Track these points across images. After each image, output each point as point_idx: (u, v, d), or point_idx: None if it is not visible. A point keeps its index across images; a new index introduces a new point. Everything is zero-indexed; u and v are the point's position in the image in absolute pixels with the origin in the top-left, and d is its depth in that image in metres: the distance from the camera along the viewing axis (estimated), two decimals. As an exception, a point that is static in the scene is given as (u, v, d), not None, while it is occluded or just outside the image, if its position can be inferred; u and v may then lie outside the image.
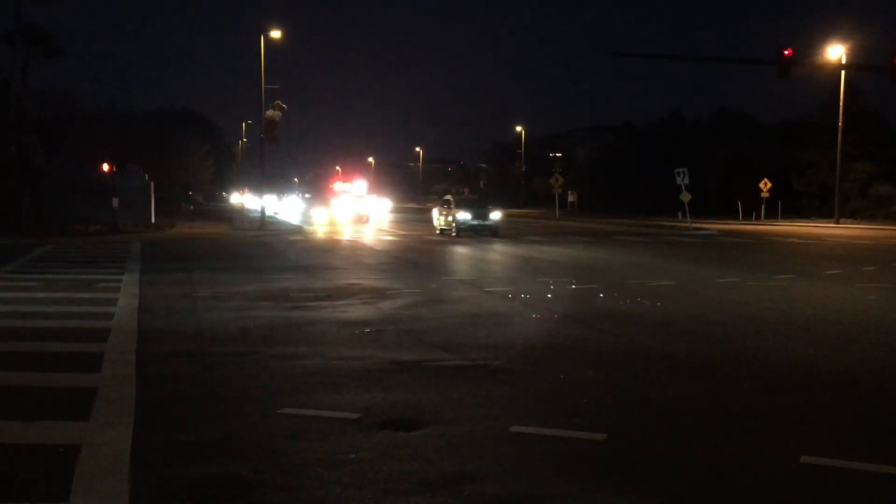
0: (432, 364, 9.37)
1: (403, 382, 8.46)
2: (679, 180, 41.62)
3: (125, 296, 14.92)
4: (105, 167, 38.92)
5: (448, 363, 9.42)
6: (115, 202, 37.68)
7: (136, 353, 9.68)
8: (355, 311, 13.59)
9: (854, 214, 57.56)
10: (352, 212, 48.53)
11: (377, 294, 15.61)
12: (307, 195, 71.37)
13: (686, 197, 42.02)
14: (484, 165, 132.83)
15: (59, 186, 40.23)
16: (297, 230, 42.67)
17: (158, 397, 7.68)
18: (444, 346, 10.42)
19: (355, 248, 29.42)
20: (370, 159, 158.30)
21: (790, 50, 31.53)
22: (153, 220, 42.95)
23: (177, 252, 26.62)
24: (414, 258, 24.76)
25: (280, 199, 66.19)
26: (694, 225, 43.67)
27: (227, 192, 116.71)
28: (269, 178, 62.28)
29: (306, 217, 55.15)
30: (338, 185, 51.99)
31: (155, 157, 48.03)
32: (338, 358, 9.65)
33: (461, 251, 27.92)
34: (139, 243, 29.61)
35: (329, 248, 29.64)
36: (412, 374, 8.87)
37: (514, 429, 6.68)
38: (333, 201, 50.11)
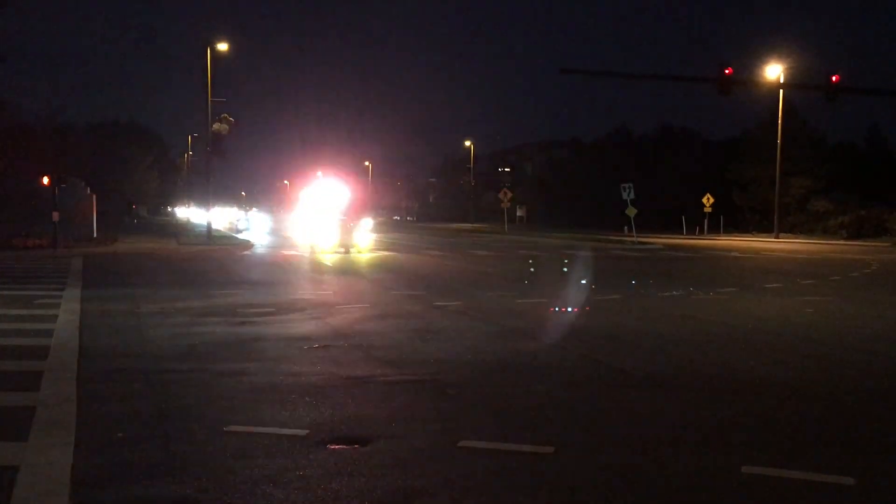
0: (382, 379, 9.34)
1: (353, 398, 8.41)
2: (625, 195, 42.33)
3: (66, 312, 14.55)
4: (45, 180, 37.95)
5: (397, 378, 9.41)
6: (56, 216, 36.69)
7: (77, 372, 9.44)
8: (303, 326, 13.48)
9: (793, 229, 59.24)
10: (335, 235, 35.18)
11: (325, 308, 15.51)
12: (254, 209, 68.72)
13: (632, 211, 42.74)
14: (433, 180, 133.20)
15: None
16: (245, 244, 42.13)
17: (101, 416, 7.51)
18: (393, 361, 10.40)
19: (301, 263, 29.18)
20: (319, 173, 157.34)
21: (730, 69, 32.39)
22: (95, 235, 41.99)
23: (120, 267, 26.06)
24: (376, 273, 24.63)
25: (246, 213, 62.24)
26: (639, 239, 44.43)
27: (172, 206, 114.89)
28: (217, 191, 61.39)
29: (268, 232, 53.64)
30: (309, 195, 39.53)
31: (97, 170, 47.01)
32: (286, 374, 9.55)
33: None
34: (81, 258, 28.90)
35: (276, 263, 29.34)
36: (362, 389, 8.83)
37: (462, 443, 6.70)
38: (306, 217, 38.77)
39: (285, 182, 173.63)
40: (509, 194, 64.10)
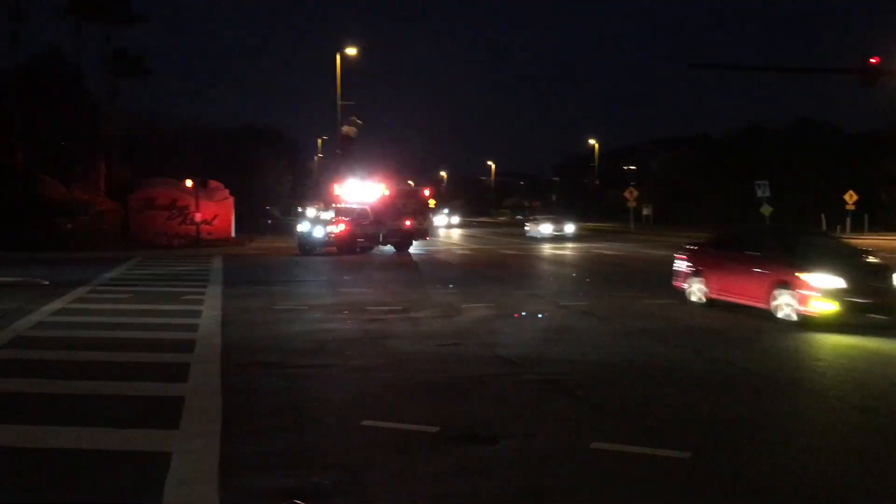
0: (509, 378, 9.37)
1: (481, 396, 8.48)
2: (760, 192, 40.61)
3: (209, 308, 15.37)
4: (188, 183, 40.21)
5: (525, 378, 9.41)
6: (198, 217, 38.92)
7: (220, 364, 9.96)
8: (431, 324, 13.68)
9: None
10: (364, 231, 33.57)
11: (451, 307, 15.69)
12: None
13: (767, 210, 40.95)
14: (556, 179, 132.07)
15: (144, 202, 41.73)
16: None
17: (243, 407, 7.89)
18: (520, 360, 10.40)
19: (428, 262, 29.61)
20: (442, 173, 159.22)
21: (877, 58, 30.42)
22: (234, 235, 44.14)
23: (257, 265, 27.28)
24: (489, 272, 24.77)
25: None
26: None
27: (303, 207, 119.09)
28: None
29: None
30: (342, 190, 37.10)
31: (235, 173, 49.36)
32: (416, 371, 9.73)
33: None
34: (220, 257, 30.46)
35: (401, 262, 29.90)
36: (489, 388, 8.88)
37: (594, 445, 6.62)
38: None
39: (409, 182, 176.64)
40: (635, 193, 62.72)
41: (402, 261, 30.36)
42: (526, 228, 51.48)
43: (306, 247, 32.82)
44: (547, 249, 36.67)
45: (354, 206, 34.61)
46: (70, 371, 9.43)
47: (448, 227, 78.10)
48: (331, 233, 32.79)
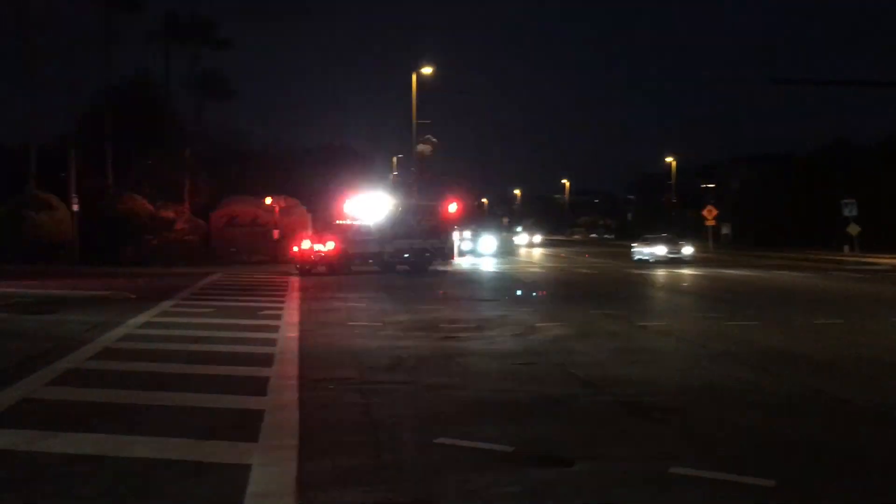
0: (585, 399, 9.23)
1: (556, 417, 8.37)
2: (846, 212, 39.27)
3: (287, 323, 15.66)
4: (268, 201, 41.20)
5: (601, 399, 9.25)
6: (276, 234, 39.81)
7: (298, 379, 10.11)
8: (505, 343, 13.61)
9: None
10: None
11: (526, 326, 15.58)
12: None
13: (854, 229, 39.58)
14: (632, 197, 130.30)
15: (226, 219, 42.93)
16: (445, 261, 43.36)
17: (320, 423, 7.97)
18: (596, 381, 10.24)
19: (505, 279, 29.53)
20: (516, 191, 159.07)
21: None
22: (310, 251, 44.88)
23: (332, 281, 27.68)
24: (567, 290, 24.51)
25: (472, 233, 59.26)
26: (863, 259, 40.84)
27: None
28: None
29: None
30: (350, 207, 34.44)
31: (312, 191, 50.33)
32: (490, 390, 9.68)
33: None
34: (298, 273, 31.04)
35: (477, 280, 29.92)
36: (565, 408, 8.76)
37: (673, 470, 6.44)
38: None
39: (483, 201, 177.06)
40: (714, 211, 61.34)
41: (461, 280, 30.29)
42: (633, 250, 45.80)
43: (305, 266, 30.79)
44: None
45: (358, 222, 32.67)
46: (154, 382, 9.72)
47: (529, 247, 76.13)
48: (319, 251, 30.58)
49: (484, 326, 15.57)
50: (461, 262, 41.97)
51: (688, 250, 42.64)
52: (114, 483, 6.02)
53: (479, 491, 5.99)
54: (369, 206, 33.56)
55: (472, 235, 55.31)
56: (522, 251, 62.30)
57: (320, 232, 33.72)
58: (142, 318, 16.11)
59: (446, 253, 34.48)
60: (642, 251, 43.85)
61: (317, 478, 6.22)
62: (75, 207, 36.18)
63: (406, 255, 32.49)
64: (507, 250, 59.41)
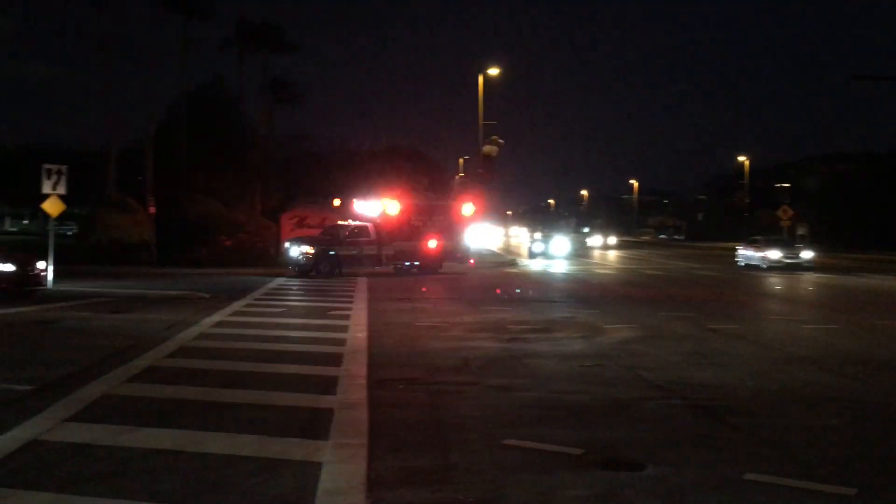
0: (655, 402, 9.08)
1: (625, 420, 8.26)
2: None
3: (355, 323, 15.85)
4: (336, 202, 41.77)
5: (671, 402, 9.09)
6: (345, 235, 40.27)
7: (366, 379, 10.22)
8: (572, 344, 13.50)
9: None
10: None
11: (594, 328, 15.42)
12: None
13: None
14: (703, 197, 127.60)
15: (296, 221, 43.67)
16: (511, 262, 43.27)
17: (388, 422, 8.04)
18: (666, 384, 10.07)
19: (571, 281, 29.28)
20: (584, 192, 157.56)
21: None
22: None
23: (399, 282, 27.90)
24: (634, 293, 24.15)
25: (543, 234, 56.61)
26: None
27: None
28: (485, 211, 63.57)
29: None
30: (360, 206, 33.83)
31: (380, 193, 50.88)
32: (558, 392, 9.62)
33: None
34: (366, 274, 31.35)
35: (541, 280, 29.73)
36: (634, 411, 8.64)
37: (748, 476, 6.29)
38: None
39: (549, 201, 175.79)
40: (789, 212, 59.52)
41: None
42: (740, 254, 40.36)
43: (300, 267, 30.19)
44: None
45: (358, 223, 31.72)
46: (228, 380, 9.95)
47: (604, 249, 72.72)
48: (306, 253, 29.95)
49: (551, 328, 15.47)
50: (530, 264, 41.72)
51: (807, 254, 37.36)
52: (191, 478, 6.19)
53: (548, 493, 5.96)
54: (373, 206, 32.51)
55: (543, 237, 53.91)
56: (596, 253, 60.82)
57: (315, 233, 32.99)
58: (215, 317, 16.51)
59: (459, 254, 32.87)
60: (750, 255, 38.55)
61: (386, 476, 6.28)
62: (152, 210, 37.37)
63: (409, 257, 31.42)
64: (580, 252, 57.89)
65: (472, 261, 33.30)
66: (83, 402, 8.63)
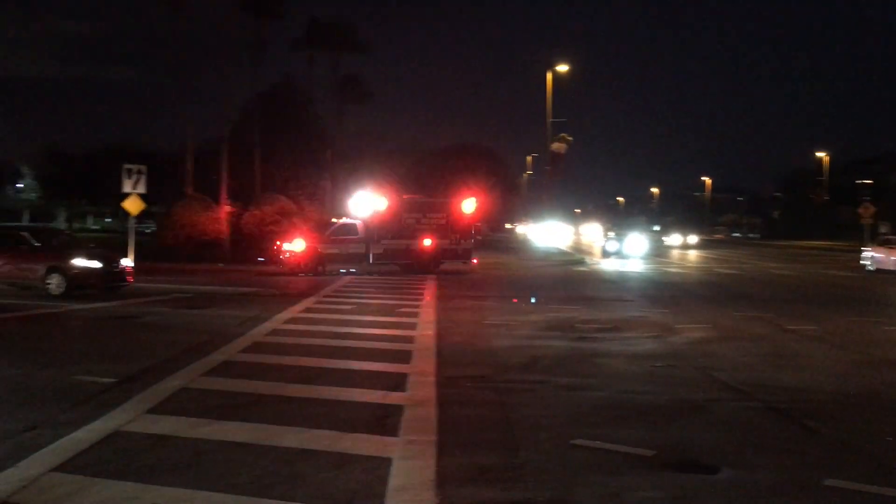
0: (730, 404, 8.88)
1: (699, 422, 8.10)
2: None
3: (423, 321, 15.94)
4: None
5: (748, 404, 8.87)
6: (413, 233, 40.53)
7: (435, 376, 10.27)
8: (643, 344, 13.30)
9: None
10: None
11: (665, 328, 15.16)
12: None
13: None
14: (778, 194, 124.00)
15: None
16: (579, 261, 42.88)
17: (457, 419, 8.07)
18: (742, 386, 9.83)
19: (644, 280, 28.84)
20: (654, 189, 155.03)
21: None
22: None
23: (468, 280, 27.94)
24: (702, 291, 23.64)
25: (617, 233, 53.18)
26: None
27: (511, 223, 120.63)
28: (553, 208, 63.18)
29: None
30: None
31: (448, 190, 51.03)
32: (629, 392, 9.49)
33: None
34: (434, 271, 31.48)
35: (610, 279, 29.37)
36: (708, 413, 8.47)
37: (828, 482, 6.09)
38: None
39: (618, 199, 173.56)
40: (871, 209, 57.36)
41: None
42: (865, 255, 35.45)
43: (287, 266, 29.76)
44: None
45: (346, 221, 31.27)
46: (299, 375, 10.13)
47: (683, 248, 68.76)
48: (290, 251, 29.70)
49: (621, 327, 15.28)
50: (601, 263, 41.19)
51: None
52: (265, 470, 6.33)
53: (619, 495, 5.89)
54: (364, 203, 31.40)
55: (617, 235, 51.14)
56: (675, 253, 57.38)
57: (305, 231, 32.33)
58: (287, 313, 16.83)
59: (459, 254, 31.29)
60: (883, 259, 33.45)
61: (455, 474, 6.30)
62: (227, 208, 38.29)
63: (400, 256, 30.62)
64: (657, 251, 55.27)
65: (475, 260, 31.91)
66: (162, 394, 8.91)
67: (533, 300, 20.41)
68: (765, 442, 7.37)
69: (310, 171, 46.49)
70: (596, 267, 37.68)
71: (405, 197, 33.54)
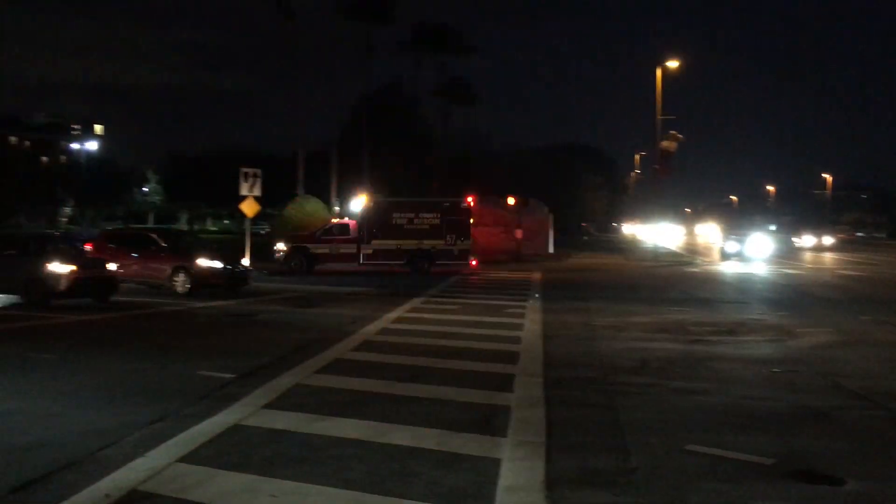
0: (854, 413, 8.44)
1: (822, 430, 7.74)
2: None
3: (530, 322, 15.87)
4: (510, 201, 42.04)
5: (874, 413, 8.40)
6: (519, 233, 40.50)
7: (542, 377, 10.21)
8: (760, 348, 12.81)
9: None
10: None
11: (785, 331, 14.55)
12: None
13: None
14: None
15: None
16: (691, 261, 41.67)
17: (565, 421, 7.99)
18: (868, 393, 9.32)
19: (763, 282, 27.78)
20: (770, 188, 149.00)
21: None
22: (551, 251, 45.21)
23: (574, 281, 27.65)
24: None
25: (739, 235, 48.35)
26: None
27: (618, 223, 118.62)
28: (662, 208, 61.61)
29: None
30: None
31: (552, 190, 50.71)
32: (745, 397, 9.16)
33: None
34: (539, 272, 31.34)
35: (725, 281, 28.42)
36: (832, 421, 8.08)
37: (968, 499, 5.70)
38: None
39: (731, 198, 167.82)
40: None
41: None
42: None
43: (278, 265, 30.03)
44: None
45: (339, 221, 31.61)
46: (408, 374, 10.28)
47: (817, 250, 60.37)
48: (281, 250, 30.14)
49: (737, 330, 14.76)
50: (718, 265, 39.48)
51: None
52: (376, 467, 6.45)
53: (735, 503, 5.69)
54: (357, 203, 31.28)
55: (738, 236, 47.19)
56: (808, 256, 50.88)
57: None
58: (395, 313, 17.11)
59: (454, 254, 30.78)
60: None
61: (565, 476, 6.24)
62: (337, 209, 39.32)
63: (392, 256, 30.37)
64: (784, 253, 49.95)
65: (473, 262, 31.28)
66: (278, 390, 9.22)
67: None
68: (894, 453, 6.96)
69: (416, 171, 47.14)
70: (709, 268, 36.51)
71: (408, 199, 33.49)
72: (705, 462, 6.65)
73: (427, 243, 30.48)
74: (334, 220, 32.48)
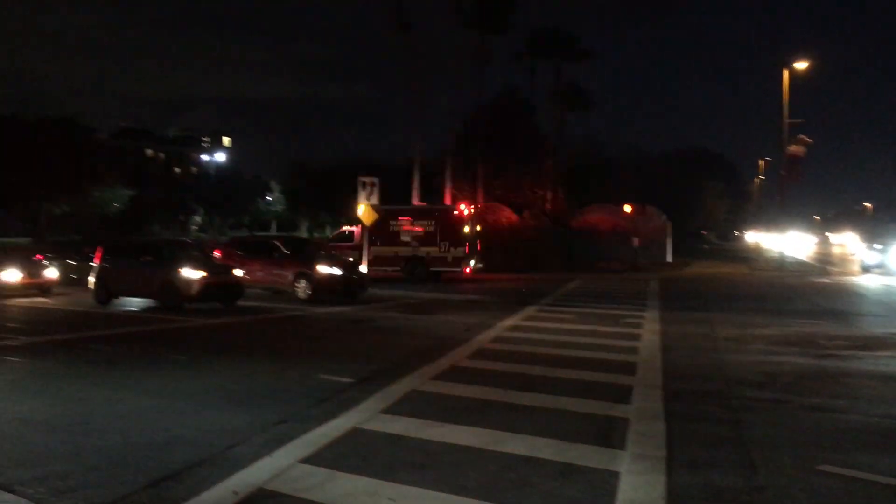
0: None
1: (971, 455, 7.16)
2: None
3: (648, 332, 15.49)
4: (627, 209, 41.31)
5: None
6: (636, 241, 39.71)
7: (662, 390, 9.93)
8: (900, 364, 12.01)
9: None
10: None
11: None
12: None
13: None
14: None
15: (586, 227, 43.86)
16: (822, 272, 39.63)
17: (686, 435, 7.73)
18: None
19: (886, 294, 26.11)
20: (866, 204, 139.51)
21: None
22: (669, 259, 44.07)
23: (694, 291, 26.80)
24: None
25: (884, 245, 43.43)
26: None
27: (740, 231, 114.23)
28: (790, 216, 58.87)
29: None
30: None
31: (671, 197, 49.36)
32: (884, 416, 8.61)
33: None
34: (657, 281, 30.59)
35: (859, 293, 26.85)
36: (983, 446, 7.46)
37: None
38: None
39: (865, 205, 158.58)
40: None
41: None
42: None
43: None
44: None
45: (349, 228, 31.95)
46: (523, 383, 10.22)
47: None
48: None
49: (873, 345, 13.90)
50: (855, 278, 36.89)
51: None
52: (492, 475, 6.44)
53: (875, 529, 5.35)
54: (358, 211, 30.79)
55: (881, 248, 43.45)
56: None
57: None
58: (510, 321, 17.08)
59: (449, 262, 30.52)
60: None
61: (687, 492, 6.04)
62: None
63: (388, 262, 30.34)
64: None
65: (467, 269, 30.62)
66: (395, 395, 9.38)
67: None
68: None
69: (531, 180, 46.95)
70: (844, 280, 34.53)
71: (400, 206, 33.22)
72: (841, 483, 6.29)
73: (422, 250, 30.86)
74: (344, 228, 33.29)
